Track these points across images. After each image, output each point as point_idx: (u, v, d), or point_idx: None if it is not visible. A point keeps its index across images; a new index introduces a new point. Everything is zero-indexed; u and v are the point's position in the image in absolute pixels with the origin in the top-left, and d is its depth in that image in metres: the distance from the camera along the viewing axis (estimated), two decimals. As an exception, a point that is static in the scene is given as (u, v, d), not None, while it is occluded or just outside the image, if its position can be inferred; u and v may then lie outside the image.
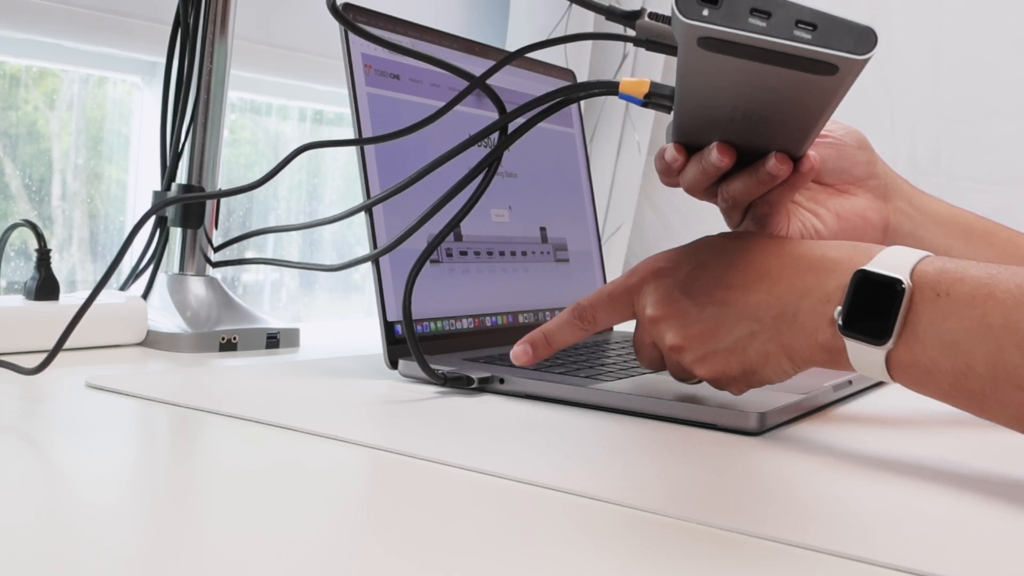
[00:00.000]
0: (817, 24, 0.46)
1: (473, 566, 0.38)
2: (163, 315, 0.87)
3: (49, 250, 0.81)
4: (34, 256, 0.81)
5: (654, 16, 0.56)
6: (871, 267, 0.54)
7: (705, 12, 0.46)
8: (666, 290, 0.63)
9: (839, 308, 0.54)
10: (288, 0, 1.26)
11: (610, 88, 0.62)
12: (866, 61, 0.46)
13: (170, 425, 0.59)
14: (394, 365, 0.76)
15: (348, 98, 0.78)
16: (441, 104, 0.88)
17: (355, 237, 1.48)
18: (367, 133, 0.78)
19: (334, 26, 0.79)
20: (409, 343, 0.69)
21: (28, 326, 0.76)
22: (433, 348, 0.80)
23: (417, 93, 0.84)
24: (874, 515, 0.48)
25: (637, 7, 0.60)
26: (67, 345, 0.79)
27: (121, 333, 0.83)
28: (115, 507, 0.43)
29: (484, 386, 0.71)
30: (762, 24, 0.46)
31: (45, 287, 0.79)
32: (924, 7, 1.64)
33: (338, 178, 1.46)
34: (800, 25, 0.46)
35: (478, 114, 0.90)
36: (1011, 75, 1.59)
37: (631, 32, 0.59)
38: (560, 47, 1.48)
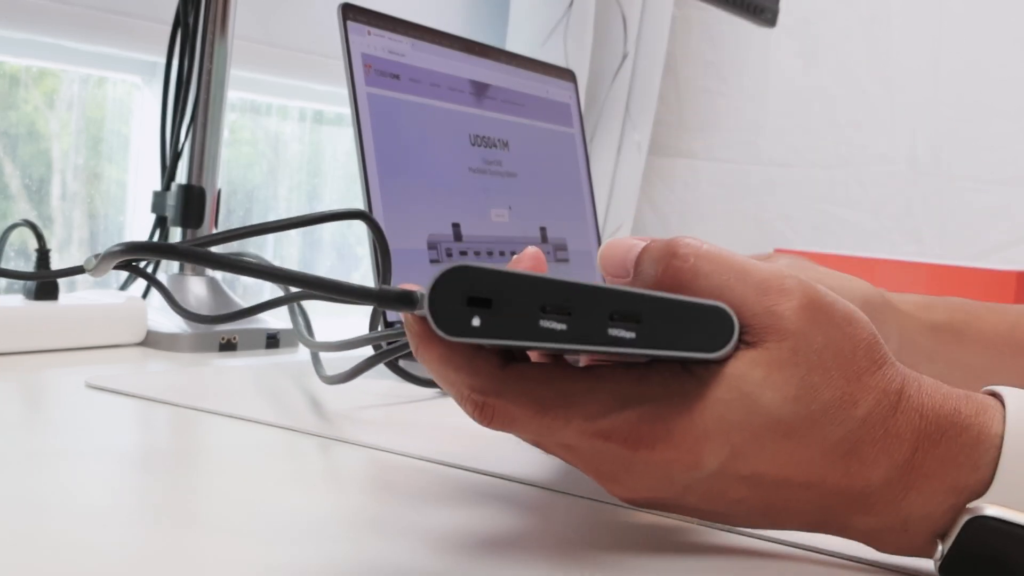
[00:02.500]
0: (642, 315, 0.33)
1: (473, 566, 0.38)
2: (163, 315, 0.87)
3: (48, 250, 0.80)
4: (33, 256, 0.81)
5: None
6: (989, 511, 0.36)
7: (476, 322, 0.33)
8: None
9: (939, 548, 0.37)
10: (288, 0, 1.26)
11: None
12: (725, 357, 0.34)
13: (170, 425, 0.59)
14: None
15: (348, 98, 0.78)
16: (440, 104, 0.88)
17: (355, 237, 1.48)
18: (367, 133, 0.78)
19: (334, 26, 0.79)
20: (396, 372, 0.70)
21: (27, 326, 0.76)
22: (433, 348, 0.80)
23: (417, 93, 0.84)
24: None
25: None
26: (67, 345, 0.79)
27: (120, 333, 0.83)
28: (115, 507, 0.43)
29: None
30: (560, 327, 0.33)
31: (44, 287, 0.79)
32: (924, 7, 1.64)
33: (338, 178, 1.46)
34: (616, 320, 0.33)
35: (478, 114, 0.90)
36: (1011, 75, 1.59)
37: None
38: (561, 45, 1.48)
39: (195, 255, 0.33)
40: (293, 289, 0.64)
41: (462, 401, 0.37)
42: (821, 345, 0.36)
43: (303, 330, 0.70)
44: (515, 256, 0.39)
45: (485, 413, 0.36)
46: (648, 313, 0.33)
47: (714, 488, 0.37)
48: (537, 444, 0.40)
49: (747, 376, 0.36)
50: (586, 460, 0.38)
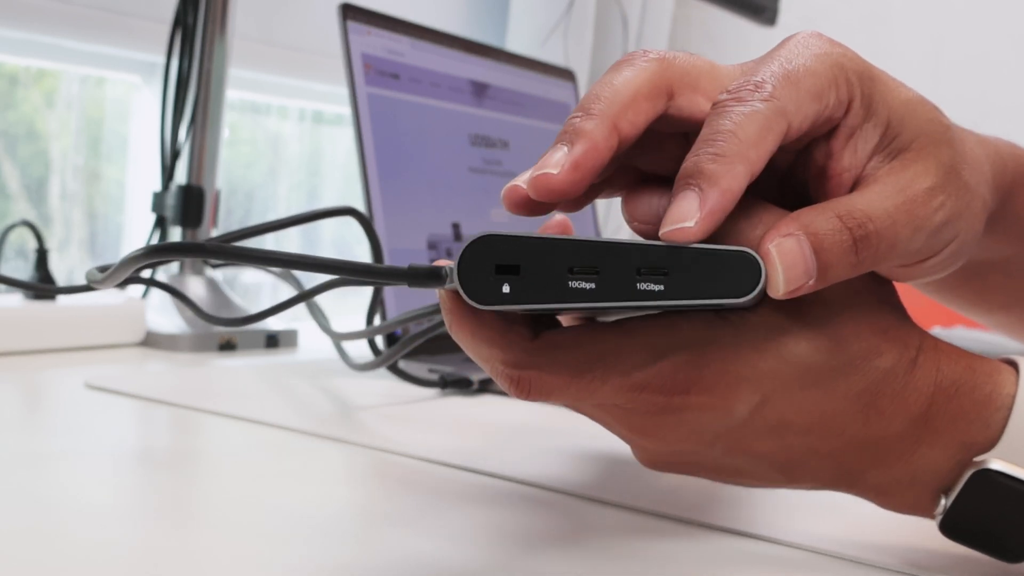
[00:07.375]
0: (668, 268, 0.34)
1: (473, 567, 0.38)
2: (162, 315, 0.86)
3: (47, 250, 0.80)
4: (33, 256, 0.81)
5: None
6: (994, 464, 0.37)
7: (506, 289, 0.34)
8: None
9: (942, 502, 0.38)
10: (288, 0, 1.26)
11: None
12: (755, 301, 0.35)
13: (170, 425, 0.59)
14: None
15: (348, 98, 0.78)
16: (440, 104, 0.88)
17: (354, 236, 1.48)
18: (367, 133, 0.78)
19: (334, 26, 0.79)
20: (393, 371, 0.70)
21: (26, 326, 0.76)
22: (434, 348, 0.80)
23: (417, 93, 0.84)
24: (872, 514, 0.47)
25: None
26: (66, 345, 0.79)
27: (120, 333, 0.83)
28: (115, 507, 0.43)
29: (484, 387, 0.71)
30: (589, 286, 0.34)
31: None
32: (925, 5, 1.64)
33: (338, 177, 1.46)
34: (644, 275, 0.34)
35: (478, 114, 0.90)
36: (1012, 74, 1.59)
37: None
38: (561, 45, 1.48)
39: (224, 252, 0.33)
40: (311, 284, 0.64)
41: (497, 376, 0.37)
42: (851, 300, 0.37)
43: (326, 323, 0.71)
44: (544, 224, 0.39)
45: (522, 386, 0.36)
46: (675, 265, 0.34)
47: (741, 440, 0.38)
48: (573, 408, 0.40)
49: (781, 325, 0.36)
50: (619, 416, 0.38)
